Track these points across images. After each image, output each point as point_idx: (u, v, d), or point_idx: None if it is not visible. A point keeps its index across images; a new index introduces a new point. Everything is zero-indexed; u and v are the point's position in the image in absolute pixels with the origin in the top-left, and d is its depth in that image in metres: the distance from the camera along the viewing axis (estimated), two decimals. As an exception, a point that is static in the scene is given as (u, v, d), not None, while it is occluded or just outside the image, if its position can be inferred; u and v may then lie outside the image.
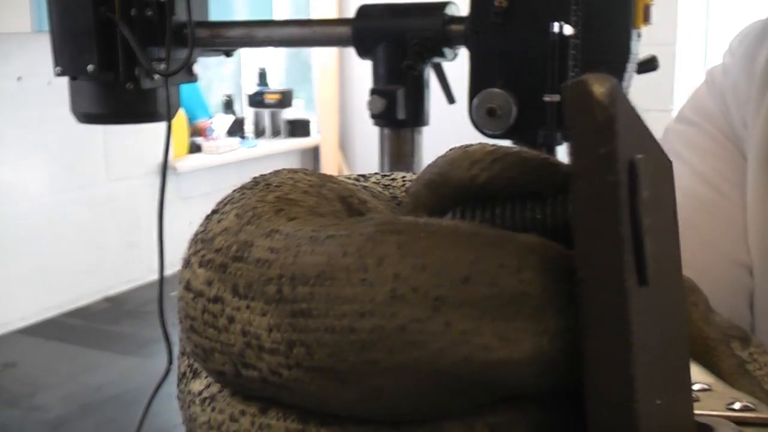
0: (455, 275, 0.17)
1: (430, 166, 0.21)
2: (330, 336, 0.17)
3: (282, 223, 0.18)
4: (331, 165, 3.96)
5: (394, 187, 0.25)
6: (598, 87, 0.17)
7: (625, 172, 0.17)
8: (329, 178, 0.22)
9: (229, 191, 0.21)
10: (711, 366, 0.33)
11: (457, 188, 0.20)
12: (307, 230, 0.18)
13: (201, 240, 0.19)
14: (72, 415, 2.24)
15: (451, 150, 0.21)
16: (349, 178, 0.24)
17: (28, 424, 2.08)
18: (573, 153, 0.17)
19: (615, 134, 0.16)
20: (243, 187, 0.21)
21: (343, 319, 0.17)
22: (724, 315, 0.38)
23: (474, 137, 0.98)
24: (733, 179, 0.53)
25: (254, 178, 0.21)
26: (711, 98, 0.57)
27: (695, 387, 0.29)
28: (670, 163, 0.24)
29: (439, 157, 0.21)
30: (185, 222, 3.29)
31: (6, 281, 2.72)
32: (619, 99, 0.17)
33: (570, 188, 0.17)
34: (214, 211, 0.20)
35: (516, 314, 0.17)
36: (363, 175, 0.25)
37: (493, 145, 0.20)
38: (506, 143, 1.00)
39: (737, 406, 0.27)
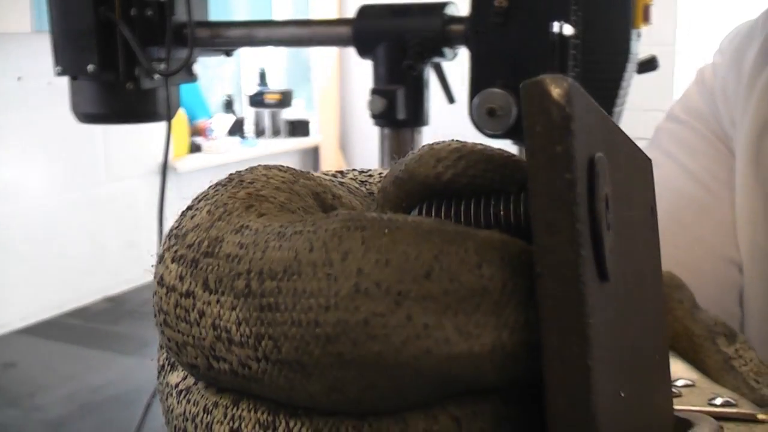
0: (417, 270, 0.17)
1: (398, 163, 0.22)
2: (296, 329, 0.17)
3: (251, 219, 0.19)
4: (331, 165, 3.96)
5: (370, 183, 0.25)
6: (555, 87, 0.17)
7: (583, 169, 0.17)
8: (303, 175, 0.22)
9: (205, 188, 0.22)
10: (697, 362, 0.33)
11: (423, 185, 0.21)
12: (275, 226, 0.19)
13: (174, 236, 0.20)
14: (72, 415, 2.24)
15: (420, 148, 0.21)
16: (326, 175, 0.24)
17: (28, 424, 2.07)
18: (530, 151, 0.17)
19: (571, 133, 0.17)
20: (218, 184, 0.21)
21: (308, 312, 0.17)
22: (712, 312, 0.39)
23: (474, 137, 0.98)
24: (722, 177, 0.53)
25: (230, 174, 0.22)
26: (701, 97, 0.57)
27: (679, 383, 0.29)
28: (648, 161, 0.25)
29: (408, 154, 0.21)
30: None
31: (6, 281, 2.72)
32: (576, 99, 0.17)
33: (528, 185, 0.18)
34: (188, 207, 0.21)
35: (476, 309, 0.18)
36: (341, 172, 0.25)
37: (459, 143, 0.21)
38: (506, 143, 1.00)
39: (718, 401, 0.28)
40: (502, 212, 0.20)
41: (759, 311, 0.50)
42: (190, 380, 0.20)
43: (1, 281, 2.71)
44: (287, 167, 0.22)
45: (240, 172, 0.22)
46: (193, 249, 0.19)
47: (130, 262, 3.08)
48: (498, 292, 0.18)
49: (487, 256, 0.18)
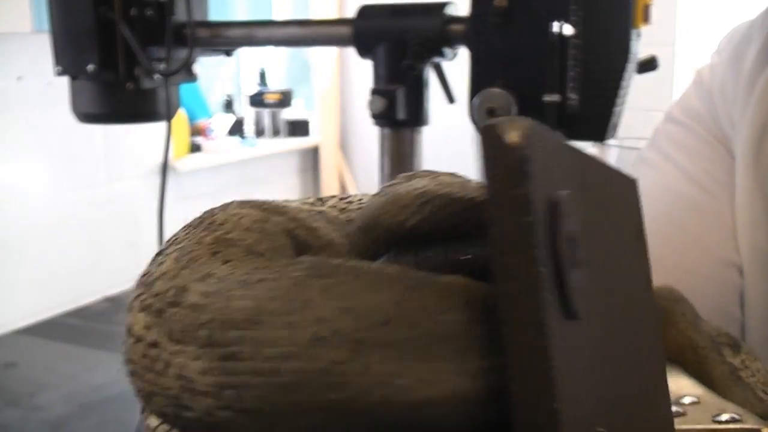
0: (377, 318, 0.18)
1: (365, 208, 0.22)
2: (257, 379, 0.18)
3: (216, 267, 0.19)
4: (331, 165, 3.96)
5: (350, 210, 0.25)
6: (512, 130, 0.17)
7: (543, 211, 0.17)
8: (278, 210, 0.22)
9: (180, 228, 0.22)
10: (703, 374, 0.32)
11: (388, 232, 0.21)
12: (239, 273, 0.19)
13: (143, 284, 0.20)
14: (72, 414, 2.24)
15: (386, 188, 0.22)
16: (306, 203, 0.25)
17: (29, 424, 2.07)
18: (489, 195, 0.18)
19: (528, 176, 0.17)
20: (189, 225, 0.22)
21: (269, 362, 0.18)
22: (714, 317, 0.38)
23: (474, 137, 0.98)
24: (721, 179, 0.53)
25: (203, 213, 0.22)
26: (698, 98, 0.57)
27: (685, 400, 0.29)
28: (632, 182, 0.24)
29: (374, 196, 0.22)
30: (185, 222, 3.29)
31: (6, 281, 2.72)
32: (536, 140, 0.18)
33: (489, 229, 0.18)
34: (159, 252, 0.21)
35: (436, 355, 0.18)
36: (321, 199, 0.26)
37: (424, 185, 0.21)
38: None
39: (723, 417, 0.27)
40: (467, 256, 0.20)
41: (761, 314, 0.50)
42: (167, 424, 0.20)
43: (1, 281, 2.71)
44: (263, 202, 0.22)
45: (213, 210, 0.22)
46: (160, 298, 0.19)
47: (130, 262, 3.08)
48: (459, 338, 0.18)
49: (448, 302, 0.18)
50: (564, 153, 0.19)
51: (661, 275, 0.58)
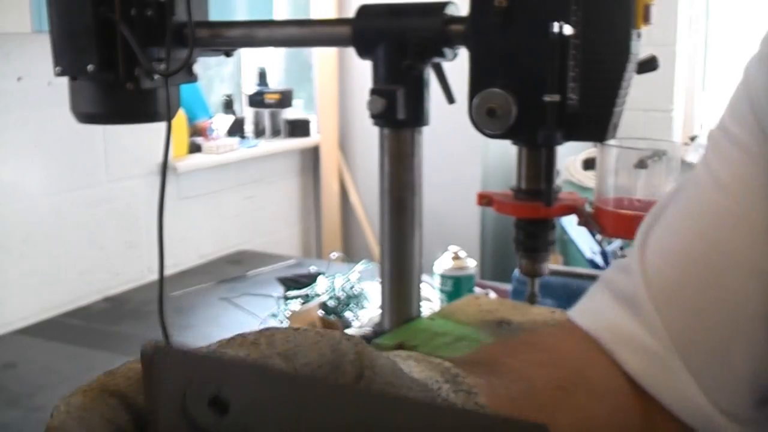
0: None
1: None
2: None
3: (75, 403, 0.34)
4: (330, 165, 3.96)
5: None
6: (148, 349, 0.31)
7: (175, 390, 0.30)
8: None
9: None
10: None
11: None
12: (79, 405, 0.34)
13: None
14: (72, 415, 2.23)
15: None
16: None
17: (28, 424, 2.07)
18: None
19: (150, 372, 0.31)
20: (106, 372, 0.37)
21: None
22: (755, 329, 0.38)
23: (474, 137, 0.98)
24: (754, 184, 0.52)
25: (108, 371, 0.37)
26: (741, 95, 0.55)
27: None
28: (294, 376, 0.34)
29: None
30: (185, 222, 3.29)
31: (6, 281, 2.72)
32: (168, 357, 0.30)
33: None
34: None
35: None
36: None
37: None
38: (506, 143, 1.00)
39: None
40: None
41: None
42: None
43: (1, 281, 2.71)
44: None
45: (114, 370, 0.38)
46: (52, 419, 0.34)
47: (130, 262, 3.08)
48: None
49: None
50: (210, 361, 0.32)
51: (697, 297, 0.57)
